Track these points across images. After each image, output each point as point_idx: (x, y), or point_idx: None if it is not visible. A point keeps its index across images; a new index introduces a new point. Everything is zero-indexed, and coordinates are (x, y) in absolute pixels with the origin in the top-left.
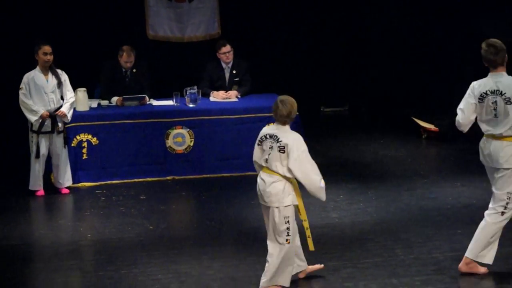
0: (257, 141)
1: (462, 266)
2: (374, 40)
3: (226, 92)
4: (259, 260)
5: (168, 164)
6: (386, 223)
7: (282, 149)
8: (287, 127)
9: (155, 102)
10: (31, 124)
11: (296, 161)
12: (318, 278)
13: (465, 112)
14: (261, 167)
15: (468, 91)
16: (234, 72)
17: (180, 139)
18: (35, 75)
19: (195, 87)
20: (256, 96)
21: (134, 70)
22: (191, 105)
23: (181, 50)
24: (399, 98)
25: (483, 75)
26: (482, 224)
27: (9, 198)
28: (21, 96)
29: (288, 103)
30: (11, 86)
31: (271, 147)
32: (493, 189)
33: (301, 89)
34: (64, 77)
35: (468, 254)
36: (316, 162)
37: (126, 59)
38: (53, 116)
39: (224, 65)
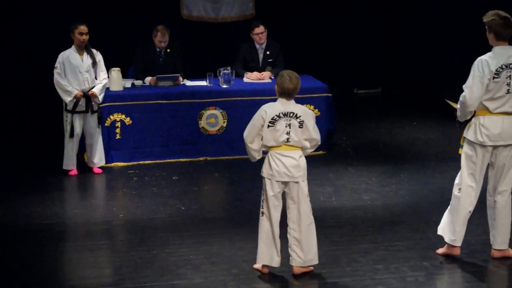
0: (267, 123)
1: (494, 253)
2: (408, 22)
3: (260, 73)
4: None
5: (201, 144)
6: (418, 206)
7: (301, 124)
8: (293, 100)
9: (188, 83)
10: (65, 103)
11: (314, 128)
12: (349, 261)
13: (475, 92)
14: (271, 147)
15: (478, 68)
16: (267, 53)
17: (213, 120)
18: (70, 54)
19: (229, 68)
20: None
21: (168, 50)
22: (224, 86)
23: (215, 30)
24: (432, 80)
25: None
26: (503, 213)
27: (43, 177)
28: (56, 76)
29: (296, 77)
30: (46, 65)
31: (289, 125)
32: (503, 169)
33: (334, 70)
34: (99, 57)
35: (499, 246)
36: (349, 144)
37: (161, 38)
38: (88, 95)
39: (257, 46)
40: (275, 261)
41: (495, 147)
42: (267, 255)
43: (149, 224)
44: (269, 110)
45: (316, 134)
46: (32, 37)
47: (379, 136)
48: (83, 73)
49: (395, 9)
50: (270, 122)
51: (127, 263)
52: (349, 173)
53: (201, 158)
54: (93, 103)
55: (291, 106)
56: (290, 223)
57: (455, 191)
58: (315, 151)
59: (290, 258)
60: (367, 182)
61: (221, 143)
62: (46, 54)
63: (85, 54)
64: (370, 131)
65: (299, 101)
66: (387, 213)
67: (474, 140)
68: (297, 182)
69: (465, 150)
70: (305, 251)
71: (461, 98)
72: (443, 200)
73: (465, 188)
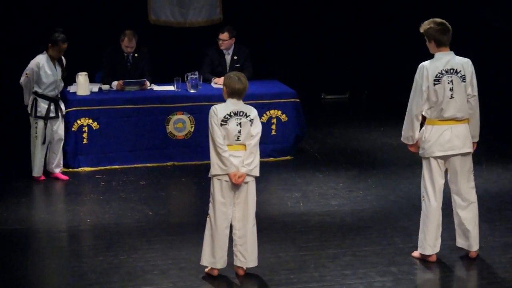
0: (220, 122)
1: (473, 254)
2: (375, 27)
3: None
4: (259, 247)
5: (169, 149)
6: (386, 211)
7: (252, 122)
8: (242, 101)
9: (156, 87)
10: (35, 110)
11: (259, 126)
12: (317, 266)
13: (416, 98)
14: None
15: (418, 74)
16: (235, 58)
17: (180, 124)
18: (45, 63)
19: (196, 73)
20: (257, 83)
21: (136, 55)
22: (192, 91)
23: (182, 35)
24: (400, 85)
25: (487, 62)
26: (474, 218)
27: (9, 182)
28: (25, 79)
29: (243, 77)
30: (12, 69)
31: (240, 124)
32: (465, 176)
33: (302, 76)
34: (64, 62)
35: (477, 247)
36: (317, 149)
37: (127, 43)
38: (57, 100)
39: (224, 51)
40: (220, 263)
41: (447, 156)
42: (211, 256)
43: (116, 229)
44: (220, 108)
45: (259, 129)
46: None
47: (347, 142)
48: (57, 80)
49: (362, 15)
50: (222, 120)
51: (94, 268)
52: (317, 178)
53: (168, 163)
54: (62, 107)
55: (240, 105)
56: (235, 223)
57: (422, 200)
58: (282, 156)
59: (235, 258)
60: (335, 188)
61: (189, 148)
62: (13, 58)
63: (56, 62)
64: (338, 137)
65: (267, 106)
66: (355, 218)
67: (424, 155)
68: (246, 182)
69: (423, 165)
70: (249, 252)
71: (409, 114)
72: (410, 206)
73: (430, 201)
